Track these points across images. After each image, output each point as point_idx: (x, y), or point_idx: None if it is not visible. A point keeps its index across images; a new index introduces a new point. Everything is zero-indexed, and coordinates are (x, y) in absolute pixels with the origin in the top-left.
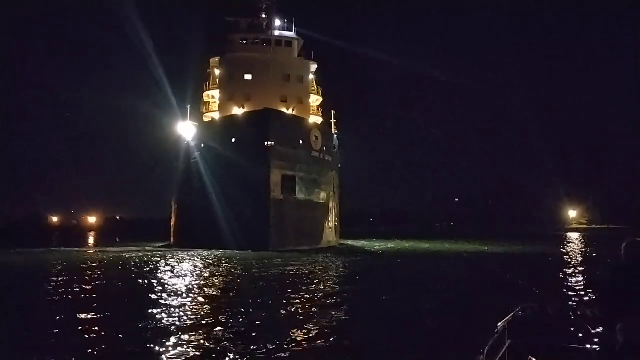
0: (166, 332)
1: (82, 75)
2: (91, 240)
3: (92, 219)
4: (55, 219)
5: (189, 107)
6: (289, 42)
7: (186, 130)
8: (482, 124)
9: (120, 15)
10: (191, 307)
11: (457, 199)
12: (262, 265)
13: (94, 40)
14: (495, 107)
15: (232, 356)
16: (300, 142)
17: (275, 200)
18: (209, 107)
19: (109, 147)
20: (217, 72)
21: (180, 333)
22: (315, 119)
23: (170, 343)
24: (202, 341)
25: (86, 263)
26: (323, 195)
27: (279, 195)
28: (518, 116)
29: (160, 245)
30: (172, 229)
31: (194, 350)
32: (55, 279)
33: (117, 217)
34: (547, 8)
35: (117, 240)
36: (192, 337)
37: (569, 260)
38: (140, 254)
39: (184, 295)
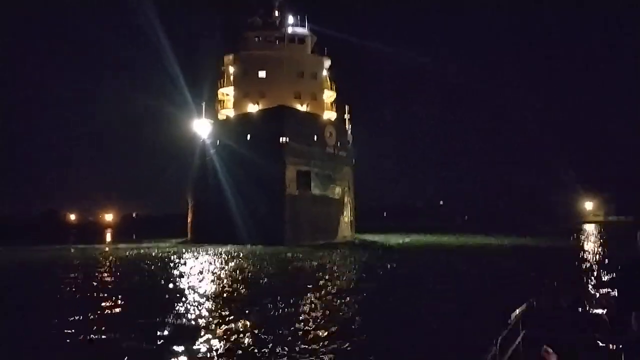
0: (179, 328)
1: (99, 73)
2: (108, 237)
3: (108, 216)
4: (72, 217)
5: (204, 104)
6: (302, 39)
7: (201, 127)
8: (483, 123)
9: (137, 12)
10: (206, 303)
11: (441, 202)
12: (276, 260)
13: (112, 38)
14: (499, 105)
15: (240, 352)
16: (315, 138)
17: (290, 196)
18: (223, 105)
19: (125, 144)
20: (231, 69)
21: (194, 330)
22: (329, 115)
23: (184, 340)
24: (214, 339)
25: (105, 259)
26: (338, 190)
27: (294, 191)
28: (520, 118)
29: (178, 241)
30: (188, 225)
31: (205, 347)
32: (76, 275)
33: (134, 214)
34: (547, 8)
35: (134, 237)
36: (204, 334)
37: (585, 252)
38: (157, 250)
39: (201, 292)
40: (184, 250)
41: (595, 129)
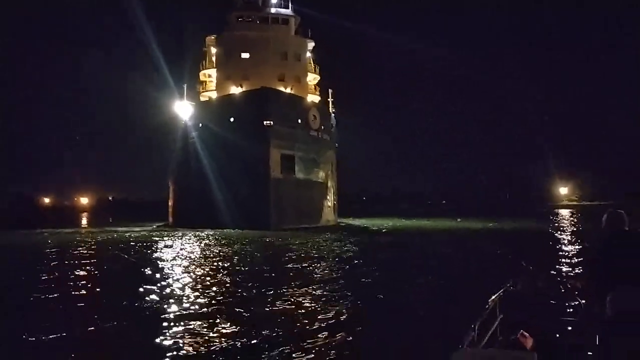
0: (163, 320)
1: (77, 54)
2: (84, 221)
3: (84, 200)
4: (46, 200)
5: (185, 86)
6: (285, 19)
7: (183, 110)
8: (482, 114)
9: None
10: (194, 292)
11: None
12: (262, 244)
13: (91, 18)
14: (495, 97)
15: (225, 345)
16: (299, 121)
17: (274, 179)
18: (205, 86)
19: (102, 126)
20: (213, 50)
21: (181, 321)
22: (312, 98)
23: (167, 332)
24: (200, 330)
25: (81, 244)
26: (322, 174)
27: (279, 174)
28: (517, 99)
29: (158, 225)
30: (169, 209)
31: (192, 340)
32: (54, 261)
33: (110, 198)
34: (547, 7)
35: (110, 220)
36: (193, 327)
37: (559, 235)
38: (138, 234)
39: (186, 277)
40: (165, 234)
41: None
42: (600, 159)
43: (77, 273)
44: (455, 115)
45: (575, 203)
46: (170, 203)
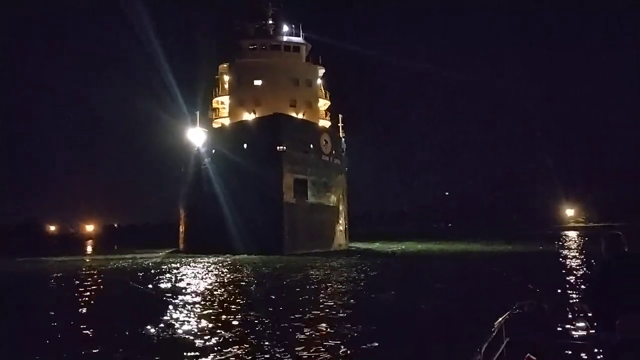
0: (175, 342)
1: (95, 79)
2: (89, 249)
3: (89, 227)
4: (52, 228)
5: (198, 113)
6: (297, 47)
7: (196, 136)
8: (485, 126)
9: (132, 20)
10: (206, 317)
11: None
12: (278, 269)
13: (105, 44)
14: (498, 107)
15: None
16: (311, 146)
17: (288, 203)
18: (218, 113)
19: (114, 152)
20: (226, 78)
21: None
22: (323, 123)
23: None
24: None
25: (91, 272)
26: (333, 198)
27: (292, 199)
28: (519, 112)
29: (169, 251)
30: (181, 235)
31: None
32: (65, 291)
33: (115, 225)
34: (548, 8)
35: (115, 248)
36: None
37: (566, 258)
38: (152, 260)
39: (201, 303)
40: (181, 260)
41: (597, 121)
42: (607, 180)
43: (89, 302)
44: (459, 133)
45: (582, 225)
46: (181, 229)
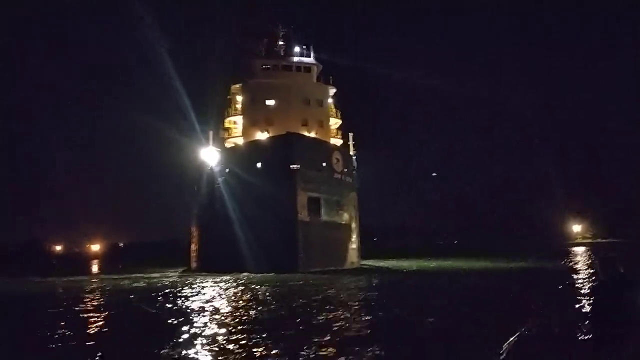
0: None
1: (102, 99)
2: (95, 268)
3: (95, 247)
4: (58, 248)
5: (211, 132)
6: (308, 67)
7: (209, 155)
8: (483, 134)
9: (144, 40)
10: (222, 336)
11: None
12: (296, 288)
13: (118, 63)
14: (496, 114)
15: None
16: (323, 164)
17: (302, 221)
18: (230, 133)
19: (117, 171)
20: (238, 98)
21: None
22: (335, 141)
23: None
24: None
25: (101, 292)
26: (346, 216)
27: (306, 217)
28: (518, 120)
29: (181, 270)
30: (193, 254)
31: None
32: (76, 312)
33: (120, 244)
34: (547, 8)
35: (120, 267)
36: None
37: (574, 275)
38: (166, 280)
39: (217, 322)
40: (196, 280)
41: (595, 128)
42: (612, 196)
43: (100, 324)
44: (457, 142)
45: (589, 240)
46: (193, 247)
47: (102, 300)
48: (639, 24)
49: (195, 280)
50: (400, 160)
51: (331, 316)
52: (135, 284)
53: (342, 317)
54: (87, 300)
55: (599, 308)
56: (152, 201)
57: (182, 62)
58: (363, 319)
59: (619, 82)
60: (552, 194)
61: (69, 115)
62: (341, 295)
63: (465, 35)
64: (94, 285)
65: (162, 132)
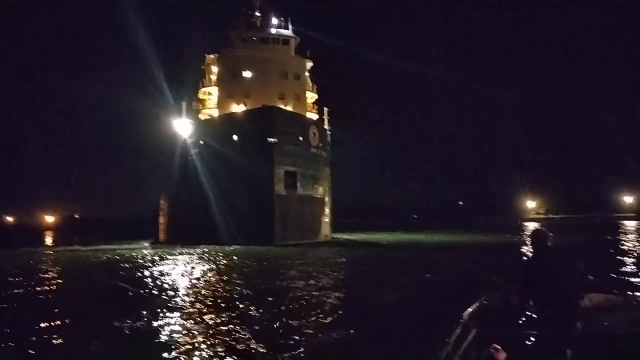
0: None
1: (79, 70)
2: (49, 240)
3: (49, 218)
4: (10, 219)
5: (184, 103)
6: (286, 40)
7: (183, 127)
8: (458, 122)
9: (118, 10)
10: (199, 309)
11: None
12: (270, 259)
13: (90, 34)
14: (470, 103)
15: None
16: (300, 138)
17: (279, 195)
18: (204, 104)
19: (84, 142)
20: (214, 69)
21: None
22: (311, 115)
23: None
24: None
25: (69, 264)
26: (320, 190)
27: (282, 190)
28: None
29: (150, 242)
30: (161, 227)
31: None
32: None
33: (76, 216)
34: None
35: (76, 239)
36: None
37: (526, 249)
38: (140, 252)
39: (196, 295)
40: (170, 251)
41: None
42: (565, 175)
43: (61, 296)
44: (429, 126)
45: (542, 216)
46: (161, 220)
47: (62, 272)
48: (603, 16)
49: (170, 251)
50: (372, 139)
51: (300, 293)
52: (107, 256)
53: (312, 292)
54: (51, 273)
55: (519, 283)
56: (117, 173)
57: (154, 30)
58: (333, 295)
59: (582, 70)
60: (509, 172)
61: (35, 82)
62: (311, 271)
63: (443, 18)
64: (56, 257)
65: (134, 102)
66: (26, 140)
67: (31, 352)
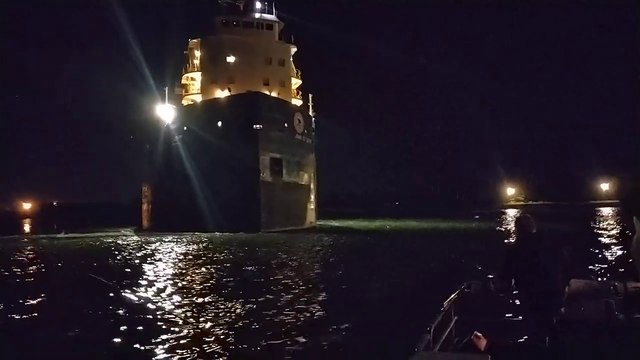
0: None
1: (58, 53)
2: (27, 228)
3: (27, 205)
4: None
5: (167, 89)
6: (270, 25)
7: (165, 112)
8: (439, 112)
9: None
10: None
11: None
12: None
13: (71, 16)
14: (451, 93)
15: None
16: (285, 125)
17: (264, 182)
18: (187, 90)
19: (65, 128)
20: (197, 54)
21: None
22: (295, 102)
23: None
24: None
25: (50, 251)
26: (306, 177)
27: (268, 177)
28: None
29: (133, 229)
30: (144, 213)
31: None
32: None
33: (54, 203)
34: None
35: (55, 227)
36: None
37: (505, 236)
38: (124, 240)
39: (184, 283)
40: (155, 239)
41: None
42: (543, 162)
43: (42, 284)
44: (418, 120)
45: (521, 203)
46: (144, 207)
47: (43, 261)
48: (603, 16)
49: (153, 239)
50: (354, 127)
51: (287, 282)
52: (83, 244)
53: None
54: (23, 260)
55: (502, 270)
56: (99, 160)
57: (136, 14)
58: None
59: (582, 70)
60: (488, 159)
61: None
62: (298, 259)
63: (428, 8)
64: (36, 244)
65: (112, 85)
66: (1, 125)
67: None
